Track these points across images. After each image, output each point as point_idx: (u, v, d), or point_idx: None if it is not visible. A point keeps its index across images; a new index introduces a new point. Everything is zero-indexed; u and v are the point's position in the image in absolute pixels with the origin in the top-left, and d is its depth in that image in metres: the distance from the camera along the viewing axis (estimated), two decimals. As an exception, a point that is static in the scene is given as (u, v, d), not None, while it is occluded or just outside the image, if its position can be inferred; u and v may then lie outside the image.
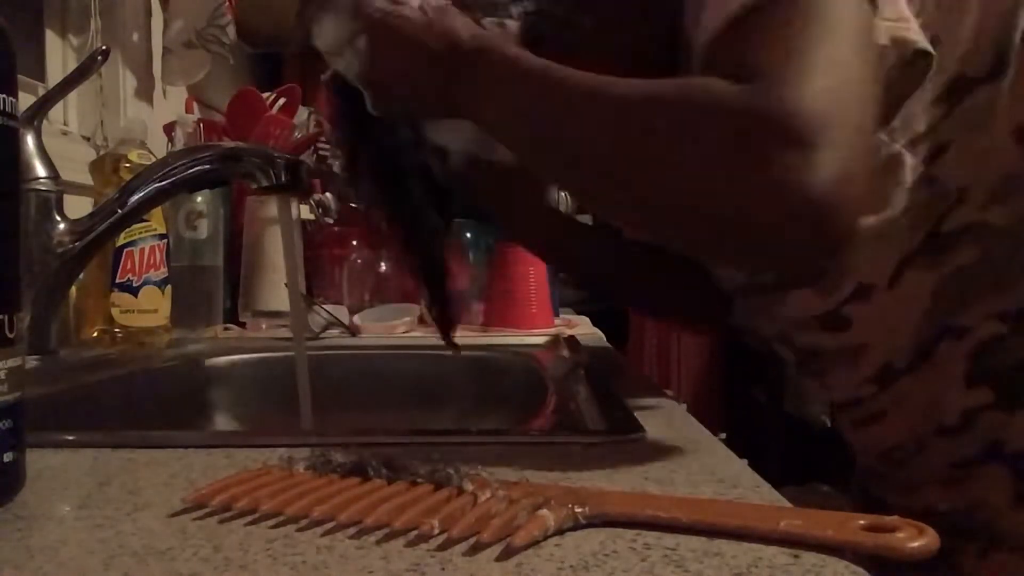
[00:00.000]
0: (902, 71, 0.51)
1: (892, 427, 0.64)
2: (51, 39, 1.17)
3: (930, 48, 0.50)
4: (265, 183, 0.72)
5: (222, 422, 0.87)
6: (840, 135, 0.40)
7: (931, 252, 0.55)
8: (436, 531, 0.30)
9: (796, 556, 0.28)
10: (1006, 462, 0.57)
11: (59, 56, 1.18)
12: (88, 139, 1.18)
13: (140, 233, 0.89)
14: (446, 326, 0.70)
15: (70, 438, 0.47)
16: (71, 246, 0.75)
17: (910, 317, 0.58)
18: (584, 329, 1.26)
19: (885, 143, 0.53)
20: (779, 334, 0.66)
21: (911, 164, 0.54)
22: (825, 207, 0.40)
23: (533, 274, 1.19)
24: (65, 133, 1.17)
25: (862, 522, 0.29)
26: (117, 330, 0.89)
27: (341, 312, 1.14)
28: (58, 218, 0.77)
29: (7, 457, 0.35)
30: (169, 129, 1.25)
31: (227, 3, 1.31)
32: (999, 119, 0.53)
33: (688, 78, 0.47)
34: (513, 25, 0.58)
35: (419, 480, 0.35)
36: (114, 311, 0.89)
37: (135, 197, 0.75)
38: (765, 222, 0.42)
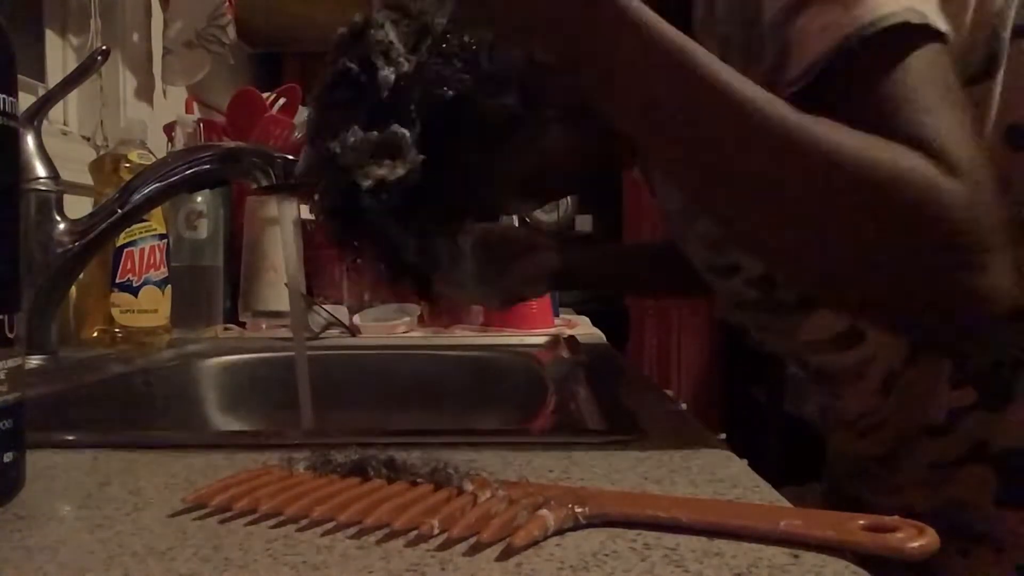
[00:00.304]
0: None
1: (889, 432, 0.64)
2: (51, 39, 1.17)
3: (947, 30, 0.47)
4: (265, 183, 0.72)
5: (222, 422, 0.87)
6: (1000, 233, 0.43)
7: None
8: (436, 531, 0.30)
9: (796, 556, 0.28)
10: (990, 462, 0.58)
11: (59, 56, 1.18)
12: (88, 139, 1.18)
13: (140, 233, 0.89)
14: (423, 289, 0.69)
15: (70, 438, 0.47)
16: (71, 246, 0.75)
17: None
18: (584, 329, 1.26)
19: None
20: (792, 353, 0.66)
21: None
22: (994, 304, 0.43)
23: (533, 274, 1.19)
24: (65, 133, 1.17)
25: (862, 522, 0.29)
26: (117, 330, 0.89)
27: (341, 312, 1.14)
28: (58, 218, 0.77)
29: (7, 457, 0.35)
30: (169, 129, 1.25)
31: (227, 3, 1.31)
32: (990, 119, 0.53)
33: (881, 141, 0.43)
34: None
35: (419, 480, 0.35)
36: (114, 311, 0.89)
37: (135, 197, 0.75)
38: (942, 311, 0.44)
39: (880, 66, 0.44)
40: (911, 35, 0.44)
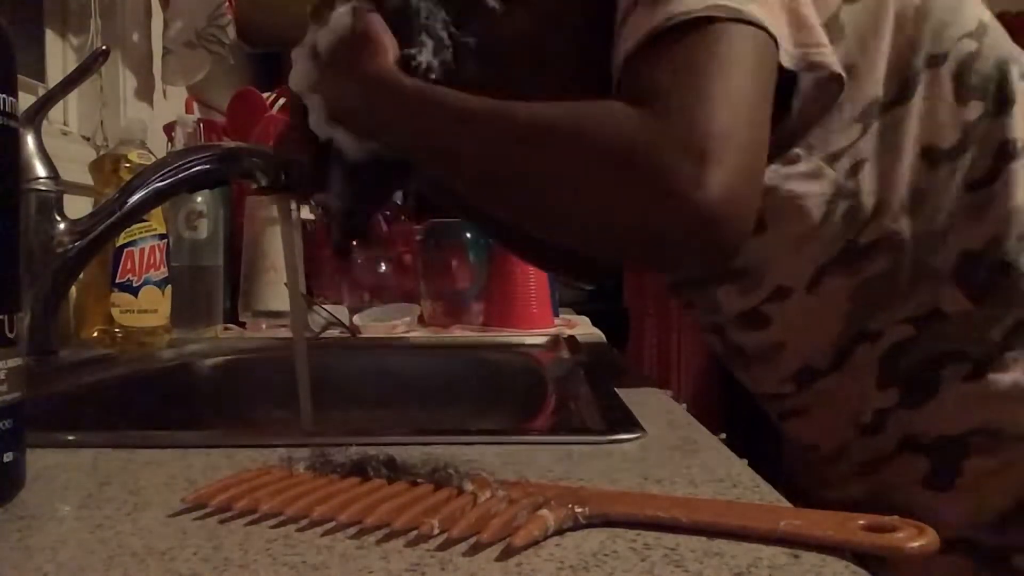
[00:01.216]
0: (818, 92, 0.55)
1: (815, 424, 0.67)
2: (51, 39, 1.17)
3: (842, 72, 0.53)
4: (265, 183, 0.72)
5: (222, 422, 0.87)
6: (729, 155, 0.46)
7: (848, 261, 0.60)
8: (436, 531, 0.30)
9: (796, 556, 0.28)
10: (923, 451, 0.61)
11: (59, 56, 1.18)
12: (88, 139, 1.18)
13: (140, 233, 0.89)
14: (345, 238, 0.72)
15: (70, 438, 0.47)
16: (71, 246, 0.75)
17: (828, 322, 0.62)
18: (584, 329, 1.26)
19: (804, 156, 0.58)
20: (712, 326, 0.69)
21: (832, 177, 0.58)
22: (715, 218, 0.45)
23: (533, 274, 1.19)
24: (65, 133, 1.17)
25: (862, 522, 0.29)
26: (117, 330, 0.89)
27: (341, 312, 1.14)
28: (58, 218, 0.77)
29: (7, 457, 0.35)
30: (169, 129, 1.25)
31: (227, 3, 1.31)
32: (907, 139, 0.58)
33: (588, 100, 0.51)
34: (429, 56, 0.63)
35: (419, 480, 0.35)
36: (114, 311, 0.89)
37: (135, 197, 0.75)
38: (660, 231, 0.48)
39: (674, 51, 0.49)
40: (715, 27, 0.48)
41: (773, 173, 0.57)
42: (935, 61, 0.58)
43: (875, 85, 0.57)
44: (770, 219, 0.58)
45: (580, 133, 0.49)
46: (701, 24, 0.48)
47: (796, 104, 0.55)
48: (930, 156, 0.58)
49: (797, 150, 0.58)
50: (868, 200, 0.58)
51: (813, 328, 0.63)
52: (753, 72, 0.49)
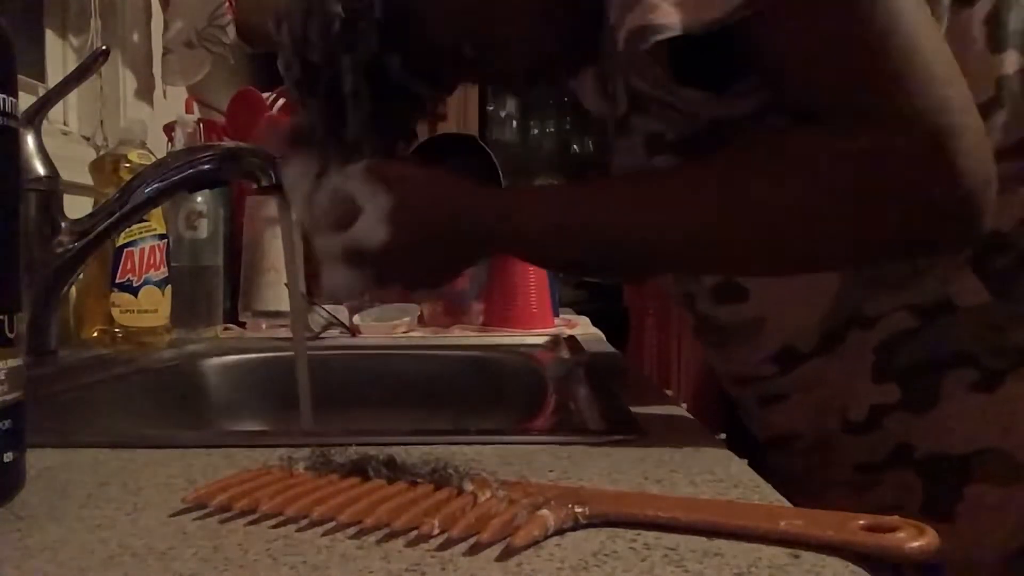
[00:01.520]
0: None
1: (796, 412, 0.61)
2: (51, 39, 1.17)
3: None
4: (265, 183, 0.72)
5: (222, 422, 0.87)
6: (959, 133, 0.42)
7: None
8: (436, 531, 0.30)
9: (796, 556, 0.28)
10: (915, 467, 0.55)
11: (59, 56, 1.18)
12: (88, 139, 1.18)
13: (140, 233, 0.89)
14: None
15: (70, 438, 0.47)
16: (71, 246, 0.75)
17: (816, 297, 0.56)
18: (584, 329, 1.26)
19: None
20: (685, 297, 0.64)
21: None
22: (975, 199, 0.43)
23: (533, 274, 1.19)
24: (65, 133, 1.17)
25: (862, 522, 0.29)
26: (117, 330, 0.89)
27: (341, 312, 1.14)
28: (58, 218, 0.77)
29: (7, 457, 0.35)
30: (169, 129, 1.25)
31: (227, 3, 1.31)
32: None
33: (758, 142, 0.48)
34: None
35: (419, 480, 0.35)
36: (114, 311, 0.89)
37: (135, 197, 0.75)
38: (931, 237, 0.46)
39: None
40: None
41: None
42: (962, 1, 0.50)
43: None
44: None
45: (809, 197, 0.45)
46: None
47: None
48: None
49: None
50: None
51: (797, 304, 0.57)
52: (933, 32, 0.45)
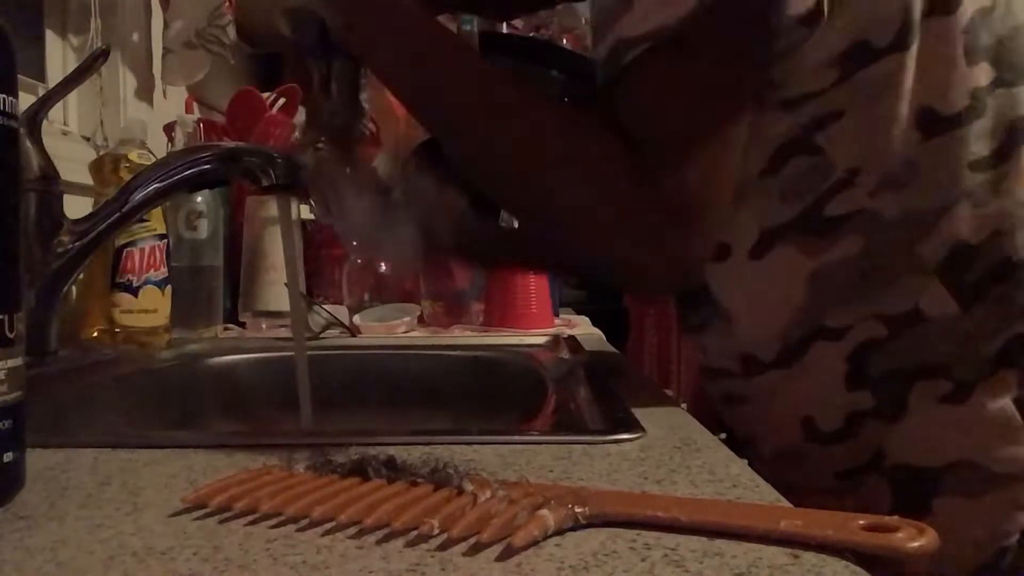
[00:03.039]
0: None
1: (754, 418, 0.62)
2: (51, 39, 1.17)
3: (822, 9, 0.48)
4: (265, 183, 0.72)
5: (222, 422, 0.87)
6: (712, 217, 0.50)
7: (808, 231, 0.53)
8: (436, 531, 0.30)
9: (796, 556, 0.28)
10: (885, 476, 0.55)
11: (59, 56, 1.18)
12: (88, 139, 1.18)
13: (140, 233, 0.89)
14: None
15: (70, 438, 0.47)
16: (71, 246, 0.75)
17: (776, 308, 0.56)
18: (584, 329, 1.26)
19: (765, 91, 0.52)
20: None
21: (787, 123, 0.52)
22: (691, 269, 0.52)
23: (533, 274, 1.19)
24: (65, 133, 1.17)
25: (862, 522, 0.29)
26: (117, 330, 0.89)
27: (341, 312, 1.14)
28: (58, 218, 0.77)
29: (7, 457, 0.35)
30: (169, 129, 1.25)
31: (227, 3, 1.31)
32: (900, 98, 0.50)
33: (579, 119, 0.53)
34: None
35: (419, 480, 0.35)
36: (114, 311, 0.89)
37: (135, 197, 0.75)
38: (635, 266, 0.51)
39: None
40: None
41: None
42: (942, 7, 0.49)
43: (864, 25, 0.49)
44: None
45: (573, 159, 0.51)
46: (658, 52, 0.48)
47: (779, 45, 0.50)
48: (927, 122, 0.50)
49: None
50: (840, 163, 0.51)
51: (756, 310, 0.57)
52: (730, 113, 0.50)
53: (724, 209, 0.51)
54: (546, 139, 0.52)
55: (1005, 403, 0.51)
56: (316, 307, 1.08)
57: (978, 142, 0.50)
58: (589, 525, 0.31)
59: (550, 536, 0.30)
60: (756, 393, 0.60)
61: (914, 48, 0.50)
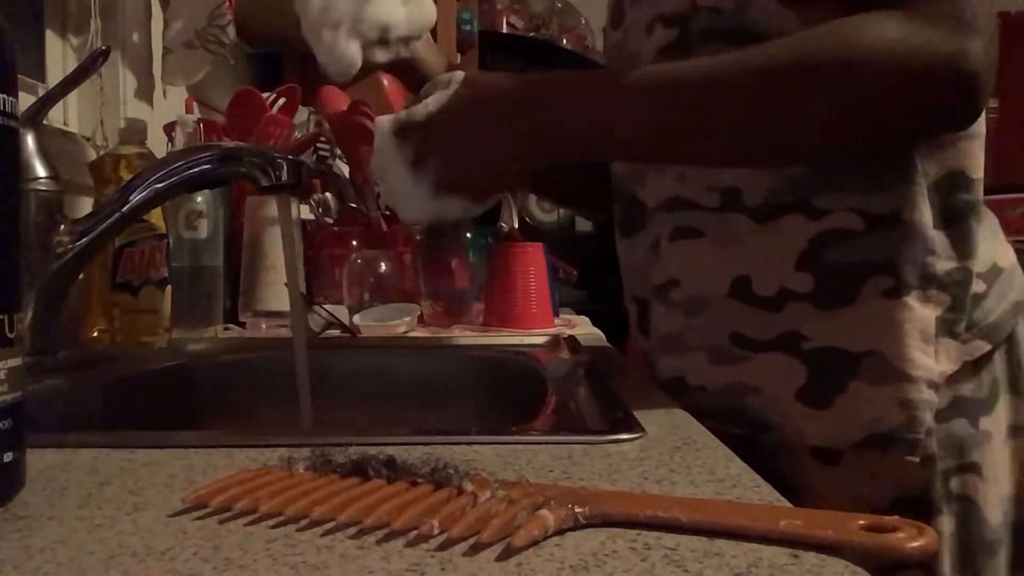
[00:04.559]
0: None
1: (697, 255, 0.64)
2: (51, 39, 1.17)
3: None
4: (265, 183, 0.72)
5: (222, 422, 0.87)
6: (986, 42, 0.48)
7: None
8: (436, 531, 0.30)
9: (796, 556, 0.28)
10: (802, 356, 0.59)
11: (59, 56, 1.18)
12: (88, 139, 1.18)
13: (140, 233, 0.89)
14: None
15: (70, 438, 0.47)
16: (71, 246, 0.75)
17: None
18: (584, 329, 1.26)
19: None
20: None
21: None
22: (981, 86, 0.49)
23: (533, 274, 1.19)
24: (65, 133, 1.17)
25: (862, 522, 0.29)
26: (117, 330, 0.89)
27: (341, 312, 1.14)
28: (58, 218, 0.77)
29: (7, 457, 0.35)
30: (169, 129, 1.25)
31: (227, 3, 1.31)
32: None
33: (803, 38, 0.51)
34: None
35: (419, 480, 0.35)
36: (114, 311, 0.89)
37: (135, 197, 0.75)
38: (932, 126, 0.52)
39: None
40: None
41: None
42: None
43: None
44: None
45: (849, 64, 0.49)
46: None
47: None
48: None
49: None
50: None
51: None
52: None
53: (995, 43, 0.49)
54: (815, 70, 0.50)
55: (929, 314, 0.57)
56: (316, 307, 1.08)
57: None
58: (589, 525, 0.31)
59: (550, 536, 0.30)
60: (713, 230, 0.63)
61: None
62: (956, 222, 0.58)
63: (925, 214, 0.57)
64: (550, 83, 0.57)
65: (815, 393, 0.59)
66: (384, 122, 0.59)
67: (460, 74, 0.58)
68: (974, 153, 0.58)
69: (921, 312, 0.57)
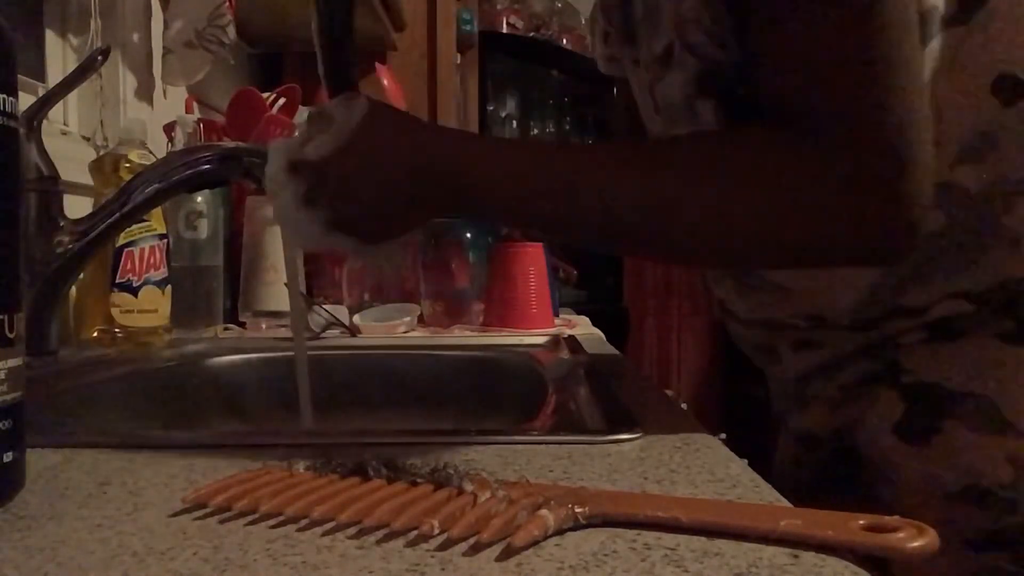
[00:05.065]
0: None
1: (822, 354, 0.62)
2: (51, 39, 1.17)
3: None
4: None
5: (222, 422, 0.87)
6: (919, 173, 0.44)
7: None
8: (436, 531, 0.30)
9: (796, 556, 0.28)
10: (900, 390, 0.56)
11: (59, 56, 1.18)
12: (88, 139, 1.18)
13: (140, 233, 0.89)
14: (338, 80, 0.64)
15: (70, 438, 0.47)
16: (71, 246, 0.75)
17: (846, 288, 0.56)
18: (584, 329, 1.26)
19: None
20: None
21: None
22: (910, 236, 0.45)
23: (533, 274, 1.19)
24: (65, 133, 1.17)
25: (862, 522, 0.29)
26: (117, 330, 0.89)
27: (341, 312, 1.14)
28: (58, 218, 0.77)
29: (7, 457, 0.35)
30: (169, 129, 1.25)
31: (227, 3, 1.31)
32: (973, 65, 0.50)
33: (735, 134, 0.49)
34: None
35: (419, 480, 0.35)
36: (114, 311, 0.89)
37: (135, 197, 0.75)
38: (853, 253, 0.47)
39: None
40: None
41: None
42: None
43: None
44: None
45: (747, 176, 0.46)
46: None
47: None
48: (1006, 89, 0.49)
49: None
50: None
51: (821, 286, 0.57)
52: (912, 60, 0.44)
53: (929, 161, 0.45)
54: (732, 199, 0.46)
55: None
56: (316, 307, 1.08)
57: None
58: (589, 525, 0.31)
59: (550, 536, 0.30)
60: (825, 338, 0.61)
61: (980, 16, 0.49)
62: None
63: None
64: (464, 146, 0.52)
65: (911, 428, 0.55)
66: (277, 152, 0.53)
67: (361, 104, 0.52)
68: None
69: None
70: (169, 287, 0.93)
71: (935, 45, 0.50)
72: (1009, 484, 0.52)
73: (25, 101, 0.69)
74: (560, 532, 0.30)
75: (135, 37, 1.28)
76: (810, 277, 0.57)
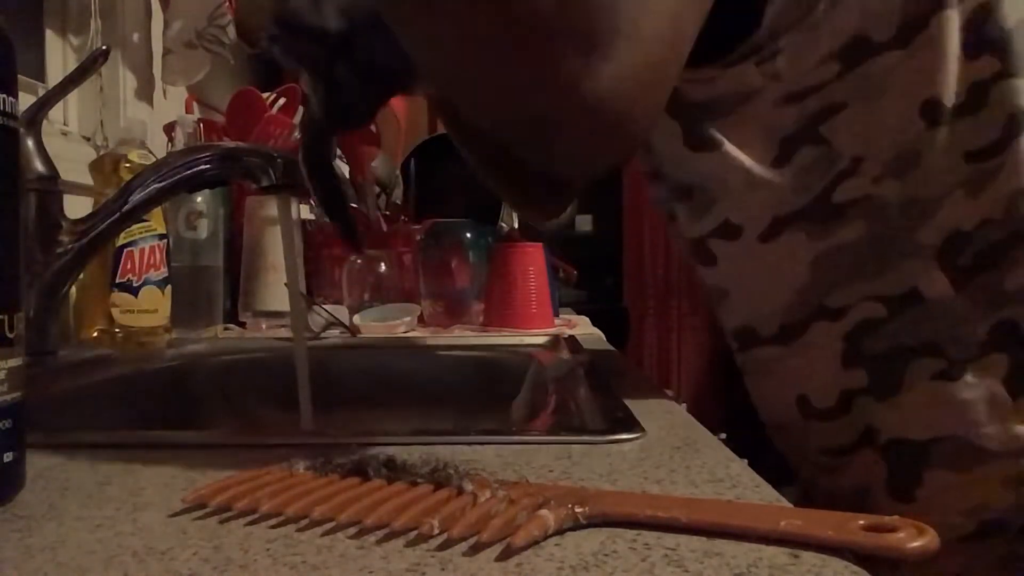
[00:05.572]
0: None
1: (760, 391, 0.64)
2: (51, 39, 1.17)
3: None
4: (265, 183, 0.72)
5: (222, 422, 0.87)
6: (630, 45, 0.39)
7: (817, 219, 0.54)
8: (436, 531, 0.30)
9: (796, 556, 0.28)
10: (879, 451, 0.57)
11: (59, 56, 1.18)
12: (88, 139, 1.18)
13: (140, 233, 0.89)
14: (348, 232, 0.63)
15: (70, 438, 0.47)
16: (71, 246, 0.75)
17: (778, 287, 0.57)
18: (584, 329, 1.26)
19: (751, 73, 0.51)
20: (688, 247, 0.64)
21: (792, 116, 0.52)
22: (607, 112, 0.39)
23: (533, 274, 1.19)
24: (65, 133, 1.17)
25: (862, 522, 0.29)
26: (117, 330, 0.89)
27: (341, 312, 1.14)
28: (58, 218, 0.77)
29: (7, 457, 0.35)
30: (169, 129, 1.25)
31: (227, 3, 1.31)
32: (901, 90, 0.51)
33: None
34: None
35: (419, 480, 0.35)
36: (114, 311, 0.89)
37: (135, 197, 0.75)
38: (556, 120, 0.41)
39: None
40: None
41: (736, 75, 0.51)
42: (944, 2, 0.50)
43: (862, 20, 0.50)
44: (721, 131, 0.53)
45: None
46: None
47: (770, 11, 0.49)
48: (930, 112, 0.51)
49: (761, 78, 0.52)
50: (845, 151, 0.52)
51: (759, 288, 0.58)
52: None
53: (666, 43, 0.41)
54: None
55: (994, 383, 0.53)
56: (316, 307, 1.08)
57: (976, 133, 0.51)
58: (589, 525, 0.31)
59: (550, 536, 0.30)
60: (751, 368, 0.63)
61: (916, 42, 0.50)
62: (970, 280, 0.53)
63: (940, 284, 0.53)
64: None
65: (897, 487, 0.56)
66: None
67: None
68: (969, 198, 0.52)
69: (983, 384, 0.52)
70: (169, 287, 0.93)
71: (865, 69, 0.51)
72: (1013, 506, 0.53)
73: (25, 101, 0.69)
74: (560, 532, 0.30)
75: (135, 37, 1.28)
76: (747, 266, 0.58)
